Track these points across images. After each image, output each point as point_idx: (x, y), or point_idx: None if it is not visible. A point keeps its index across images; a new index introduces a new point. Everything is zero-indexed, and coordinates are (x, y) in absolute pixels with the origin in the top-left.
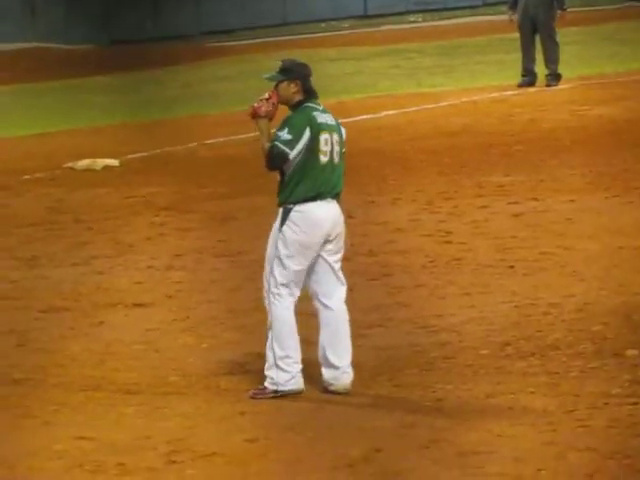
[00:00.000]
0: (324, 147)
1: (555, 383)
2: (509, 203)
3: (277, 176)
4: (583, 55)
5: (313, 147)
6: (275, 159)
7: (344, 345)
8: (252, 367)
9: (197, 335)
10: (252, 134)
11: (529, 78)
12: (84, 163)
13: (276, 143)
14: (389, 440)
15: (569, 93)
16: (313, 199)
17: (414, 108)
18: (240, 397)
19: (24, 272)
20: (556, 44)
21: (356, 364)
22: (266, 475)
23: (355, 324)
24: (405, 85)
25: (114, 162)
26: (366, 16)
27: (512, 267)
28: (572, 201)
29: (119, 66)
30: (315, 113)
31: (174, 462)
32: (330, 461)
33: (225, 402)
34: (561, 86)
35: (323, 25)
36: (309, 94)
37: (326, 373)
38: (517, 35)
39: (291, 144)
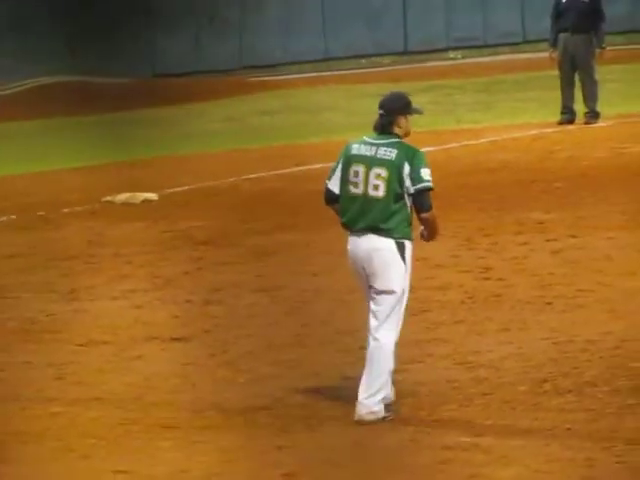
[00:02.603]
0: (353, 178)
1: (592, 420)
2: (548, 240)
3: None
4: (624, 93)
5: (343, 177)
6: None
7: (369, 379)
8: (290, 402)
9: (235, 370)
10: (293, 169)
11: (568, 116)
12: (123, 197)
13: None
14: (428, 475)
15: (609, 131)
16: (350, 230)
17: (454, 144)
18: (278, 432)
19: (63, 305)
20: (595, 82)
21: (395, 400)
22: None
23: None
24: (445, 121)
25: (153, 196)
26: (406, 52)
27: (550, 304)
28: (611, 238)
29: (161, 100)
30: (355, 145)
31: None
32: None
33: (263, 436)
34: (601, 124)
35: (364, 61)
36: (374, 127)
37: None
38: (557, 72)
39: (330, 173)
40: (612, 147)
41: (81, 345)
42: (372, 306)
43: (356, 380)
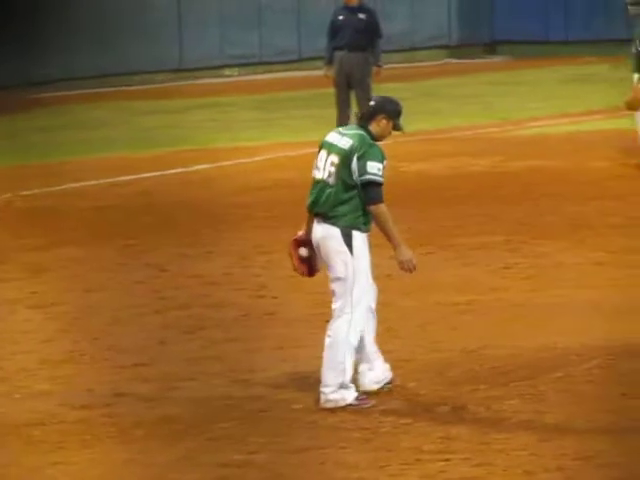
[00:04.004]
0: (318, 163)
1: (367, 439)
2: None
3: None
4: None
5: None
6: None
7: (323, 368)
8: (65, 418)
9: (9, 385)
10: (69, 186)
11: None
12: None
13: None
14: None
15: (387, 149)
16: (311, 214)
17: (229, 162)
18: (53, 448)
19: None
20: (370, 100)
21: (168, 418)
22: None
23: (168, 378)
24: (221, 139)
25: None
26: (181, 69)
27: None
28: (391, 257)
29: None
30: (332, 132)
31: None
32: None
33: (37, 452)
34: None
35: (137, 78)
36: (356, 115)
37: None
38: (333, 90)
39: None
40: (391, 165)
41: None
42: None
43: (130, 397)
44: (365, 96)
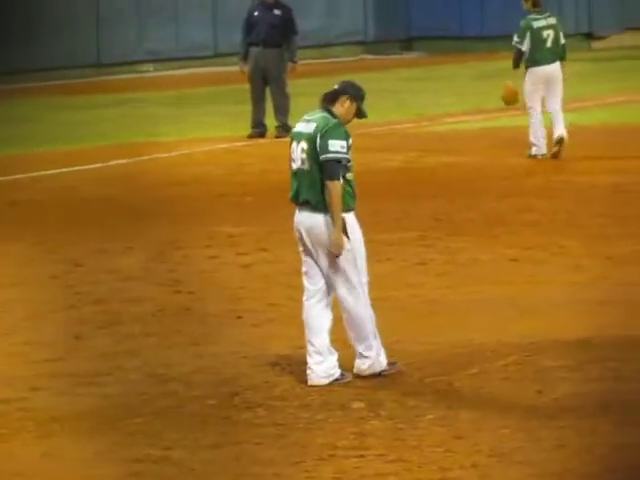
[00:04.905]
0: (292, 154)
1: (282, 434)
2: (239, 254)
3: None
4: (315, 107)
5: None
6: None
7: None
8: None
9: None
10: None
11: (259, 129)
12: None
13: None
14: None
15: None
16: (295, 204)
17: (145, 157)
18: None
19: None
20: (286, 96)
21: (83, 412)
22: None
23: (83, 373)
24: (137, 134)
25: None
26: (99, 64)
27: (240, 317)
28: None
29: None
30: (299, 122)
31: None
32: None
33: None
34: None
35: (55, 73)
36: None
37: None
38: (248, 86)
39: None
40: None
41: None
42: (329, 277)
43: (46, 391)
44: (280, 92)
